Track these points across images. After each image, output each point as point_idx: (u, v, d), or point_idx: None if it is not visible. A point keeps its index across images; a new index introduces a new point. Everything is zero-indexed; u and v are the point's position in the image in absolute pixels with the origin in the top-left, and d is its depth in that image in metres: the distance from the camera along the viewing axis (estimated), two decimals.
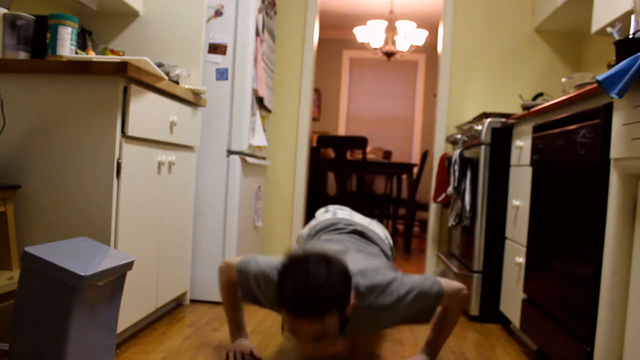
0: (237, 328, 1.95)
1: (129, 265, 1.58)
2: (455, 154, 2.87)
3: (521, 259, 2.25)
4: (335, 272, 1.44)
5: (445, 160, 3.20)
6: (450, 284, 1.74)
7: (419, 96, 6.96)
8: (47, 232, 1.75)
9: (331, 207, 2.24)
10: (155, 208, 2.08)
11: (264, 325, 2.35)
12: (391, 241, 2.11)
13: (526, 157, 2.30)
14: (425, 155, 5.00)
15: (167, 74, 2.26)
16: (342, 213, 2.15)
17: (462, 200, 2.76)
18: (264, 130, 3.12)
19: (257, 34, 2.77)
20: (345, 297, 1.47)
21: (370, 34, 5.32)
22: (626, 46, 1.53)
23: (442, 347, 1.91)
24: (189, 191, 2.46)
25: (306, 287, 1.40)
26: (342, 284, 1.45)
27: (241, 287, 1.76)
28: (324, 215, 2.18)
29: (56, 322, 1.35)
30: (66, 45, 1.81)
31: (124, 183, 1.79)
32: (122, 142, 1.76)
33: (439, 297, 1.69)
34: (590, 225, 1.60)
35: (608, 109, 1.54)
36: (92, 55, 1.96)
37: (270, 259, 1.72)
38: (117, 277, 1.55)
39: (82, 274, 1.33)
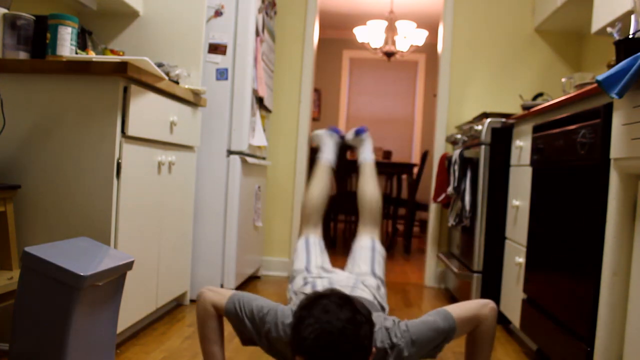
0: None
1: (129, 265, 1.58)
2: (455, 154, 2.87)
3: (521, 259, 2.25)
4: (359, 317, 1.24)
5: (445, 160, 3.20)
6: (466, 307, 1.50)
7: (419, 96, 6.96)
8: (47, 232, 1.75)
9: (310, 278, 1.82)
10: (155, 208, 2.08)
11: None
12: (383, 297, 1.81)
13: (526, 157, 2.30)
14: (425, 155, 5.00)
15: (167, 74, 2.26)
16: (322, 282, 1.78)
17: (462, 200, 2.76)
18: (264, 130, 3.12)
19: (257, 34, 2.77)
20: (370, 346, 1.27)
21: (370, 34, 5.32)
22: (626, 46, 1.53)
23: None
24: (189, 191, 2.46)
25: (330, 336, 1.19)
26: (368, 330, 1.25)
27: (238, 331, 1.55)
28: (303, 289, 1.80)
29: (56, 322, 1.34)
30: (66, 45, 1.81)
31: (124, 183, 1.79)
32: (122, 142, 1.76)
33: (451, 332, 1.47)
34: (590, 225, 1.60)
35: (608, 109, 1.54)
36: (92, 55, 1.96)
37: (262, 300, 1.52)
38: (117, 277, 1.55)
39: (82, 274, 1.33)
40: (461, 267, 2.84)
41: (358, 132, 2.37)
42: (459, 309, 1.49)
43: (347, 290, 1.65)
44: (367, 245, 2.00)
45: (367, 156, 2.32)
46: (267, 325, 1.45)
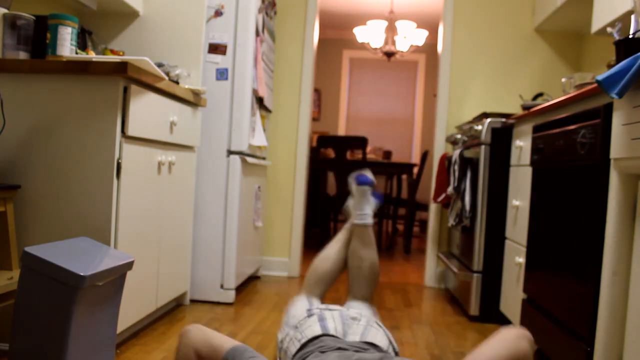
0: None
1: (129, 265, 1.58)
2: (455, 154, 2.87)
3: (521, 259, 2.25)
4: None
5: (445, 160, 3.20)
6: (499, 349, 1.19)
7: (419, 96, 6.96)
8: (47, 232, 1.75)
9: (316, 310, 1.61)
10: (155, 208, 2.08)
11: (264, 325, 2.35)
12: (396, 345, 1.58)
13: (526, 157, 2.30)
14: (425, 155, 5.00)
15: (167, 74, 2.26)
16: (332, 323, 1.53)
17: (462, 200, 2.76)
18: (264, 130, 3.12)
19: (257, 34, 2.77)
20: None
21: (370, 34, 5.32)
22: (626, 46, 1.53)
23: None
24: (189, 191, 2.46)
25: None
26: None
27: None
28: (308, 323, 1.55)
29: (56, 322, 1.34)
30: (66, 45, 1.81)
31: (124, 183, 1.79)
32: (122, 142, 1.76)
33: None
34: (590, 225, 1.60)
35: (608, 109, 1.54)
36: (92, 55, 1.96)
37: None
38: (117, 277, 1.55)
39: (82, 274, 1.33)
40: (461, 267, 2.84)
41: (361, 182, 1.95)
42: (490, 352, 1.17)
43: (359, 330, 1.50)
44: (366, 319, 1.59)
45: (367, 218, 1.89)
46: None
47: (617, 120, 1.48)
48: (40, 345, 1.35)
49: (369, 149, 5.85)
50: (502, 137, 2.61)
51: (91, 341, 1.48)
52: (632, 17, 1.92)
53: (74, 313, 1.35)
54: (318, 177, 4.83)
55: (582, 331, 1.60)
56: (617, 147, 1.47)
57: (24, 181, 1.75)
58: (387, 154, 6.13)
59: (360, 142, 4.59)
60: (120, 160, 1.76)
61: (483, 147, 2.62)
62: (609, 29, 1.93)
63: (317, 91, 6.95)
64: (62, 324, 1.34)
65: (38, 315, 1.35)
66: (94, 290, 1.44)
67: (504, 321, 2.58)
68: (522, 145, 2.37)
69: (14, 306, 1.38)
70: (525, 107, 2.72)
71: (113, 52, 2.27)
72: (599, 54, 3.19)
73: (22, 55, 1.80)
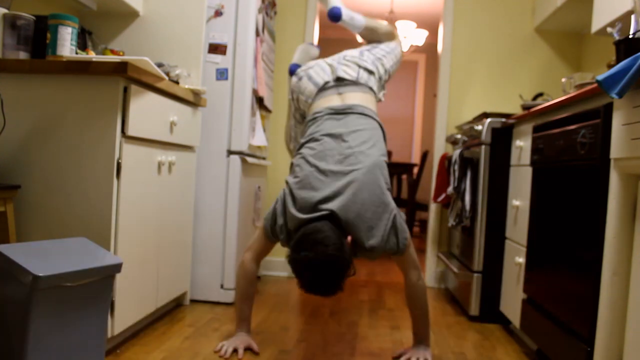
0: (241, 320, 2.05)
1: (115, 268, 1.52)
2: (455, 154, 2.87)
3: (521, 259, 2.25)
4: (340, 263, 1.67)
5: (445, 160, 3.20)
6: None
7: (419, 96, 6.97)
8: (47, 232, 1.75)
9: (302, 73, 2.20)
10: (155, 208, 2.08)
11: (264, 325, 2.35)
12: (368, 66, 2.23)
13: (526, 157, 2.30)
14: (425, 155, 5.00)
15: (167, 74, 2.26)
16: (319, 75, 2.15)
17: (462, 200, 2.76)
18: (264, 130, 3.12)
19: (257, 34, 2.77)
20: (349, 267, 1.71)
21: None
22: (626, 46, 1.53)
23: (428, 328, 2.03)
24: (189, 191, 2.46)
25: (320, 285, 1.69)
26: (347, 264, 1.69)
27: (272, 233, 1.96)
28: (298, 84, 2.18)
29: (15, 322, 1.29)
30: (66, 45, 1.81)
31: (124, 183, 1.79)
32: (122, 142, 1.76)
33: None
34: (590, 225, 1.60)
35: (608, 109, 1.54)
36: (92, 55, 1.96)
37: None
38: (99, 279, 1.48)
39: (39, 274, 1.27)
40: (461, 267, 2.84)
41: (333, 17, 2.31)
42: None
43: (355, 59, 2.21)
44: None
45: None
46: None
47: (617, 120, 1.48)
48: (1, 346, 1.32)
49: None
50: (502, 137, 2.61)
51: (66, 346, 1.41)
52: (632, 17, 1.92)
53: (32, 314, 1.29)
54: None
55: (582, 331, 1.60)
56: (617, 147, 1.47)
57: (24, 181, 1.75)
58: (387, 154, 6.13)
59: None
60: (120, 160, 1.76)
61: (483, 147, 2.62)
62: (609, 29, 1.93)
63: None
64: (20, 324, 1.29)
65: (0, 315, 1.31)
66: (65, 291, 1.37)
67: (504, 321, 2.58)
68: (522, 145, 2.37)
69: None
70: (525, 107, 2.72)
71: (113, 52, 2.27)
72: (599, 54, 3.19)
73: (22, 55, 1.80)
